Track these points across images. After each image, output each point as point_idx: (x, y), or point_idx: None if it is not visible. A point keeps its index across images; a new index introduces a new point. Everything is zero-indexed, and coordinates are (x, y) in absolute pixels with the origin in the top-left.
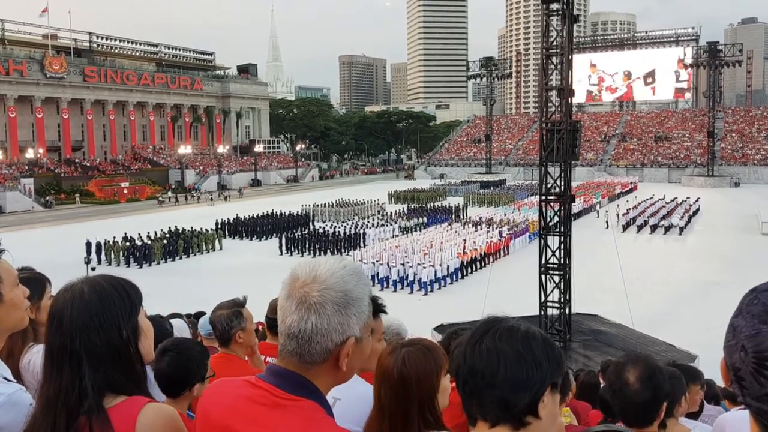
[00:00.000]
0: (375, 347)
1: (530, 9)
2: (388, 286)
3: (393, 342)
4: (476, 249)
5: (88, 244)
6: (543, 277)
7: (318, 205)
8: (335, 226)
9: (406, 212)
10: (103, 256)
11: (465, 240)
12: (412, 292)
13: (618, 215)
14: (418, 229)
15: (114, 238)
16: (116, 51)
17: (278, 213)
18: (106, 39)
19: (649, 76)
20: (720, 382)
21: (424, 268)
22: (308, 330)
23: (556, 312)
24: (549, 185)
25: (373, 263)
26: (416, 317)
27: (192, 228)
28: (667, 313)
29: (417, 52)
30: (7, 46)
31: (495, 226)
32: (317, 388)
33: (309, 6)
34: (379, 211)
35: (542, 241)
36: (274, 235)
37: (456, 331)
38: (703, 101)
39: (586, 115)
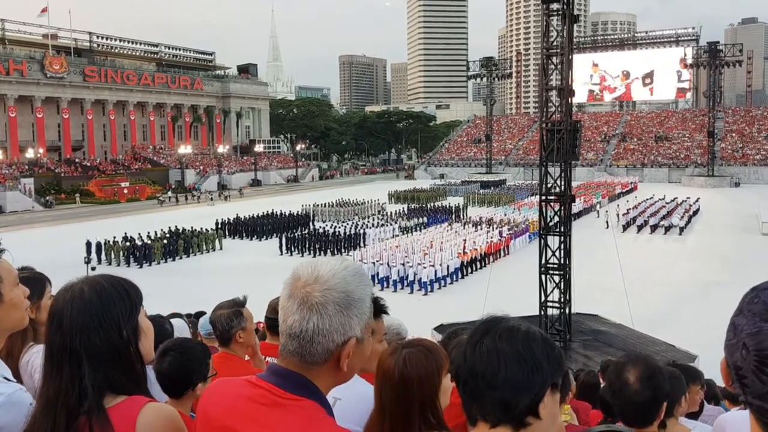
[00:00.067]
0: (376, 348)
1: (530, 9)
2: (388, 286)
3: (394, 343)
4: (476, 249)
5: (88, 244)
6: (543, 277)
7: (318, 205)
8: (335, 226)
9: (406, 212)
10: (103, 256)
11: (465, 240)
12: (412, 292)
13: (618, 215)
14: (418, 229)
15: (114, 237)
16: (116, 51)
17: (278, 213)
18: (106, 39)
19: (648, 77)
20: (720, 382)
21: (424, 268)
22: (310, 330)
23: (556, 312)
24: (549, 185)
25: (373, 263)
26: (416, 317)
27: (192, 228)
28: (667, 313)
29: (417, 52)
30: (8, 46)
31: (495, 226)
32: (318, 388)
33: (309, 6)
34: (379, 211)
35: (542, 241)
36: (275, 235)
37: (456, 331)
38: (704, 101)
39: (586, 115)
